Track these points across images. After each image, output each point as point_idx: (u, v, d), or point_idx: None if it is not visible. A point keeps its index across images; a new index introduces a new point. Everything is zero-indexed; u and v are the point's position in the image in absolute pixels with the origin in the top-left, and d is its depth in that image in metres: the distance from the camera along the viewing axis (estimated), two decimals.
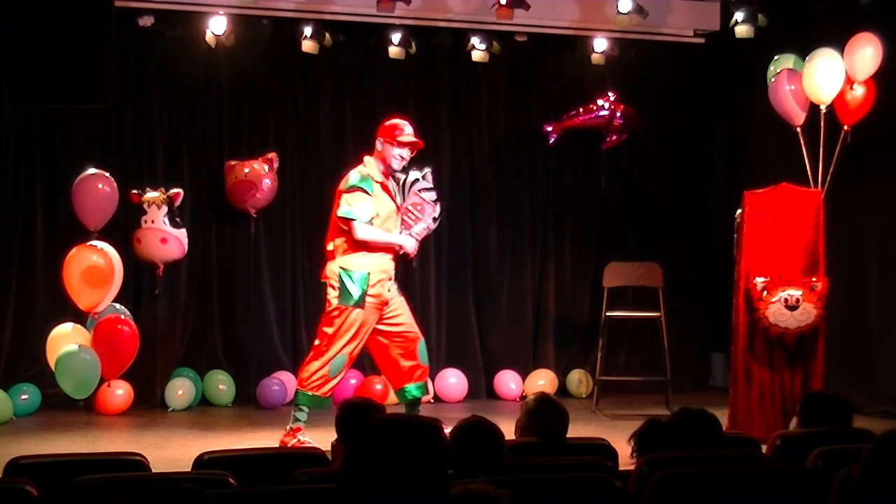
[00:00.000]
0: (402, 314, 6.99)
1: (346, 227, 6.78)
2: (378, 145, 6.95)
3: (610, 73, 9.54)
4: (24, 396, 8.24)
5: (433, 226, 7.15)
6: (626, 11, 8.56)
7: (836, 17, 8.50)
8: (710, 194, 10.13)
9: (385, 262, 6.87)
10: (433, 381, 9.13)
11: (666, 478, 3.43)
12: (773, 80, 7.78)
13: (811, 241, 7.40)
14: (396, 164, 6.94)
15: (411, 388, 7.08)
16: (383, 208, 6.86)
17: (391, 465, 2.27)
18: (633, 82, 9.68)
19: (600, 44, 9.36)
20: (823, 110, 7.58)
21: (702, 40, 9.70)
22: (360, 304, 6.75)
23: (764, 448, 4.60)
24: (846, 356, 8.49)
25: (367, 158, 6.96)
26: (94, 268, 7.73)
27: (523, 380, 9.41)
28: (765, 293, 7.27)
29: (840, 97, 7.57)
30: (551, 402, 4.52)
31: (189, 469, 4.15)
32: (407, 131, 6.99)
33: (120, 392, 8.31)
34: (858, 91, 7.55)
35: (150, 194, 8.18)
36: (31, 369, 8.39)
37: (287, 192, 9.08)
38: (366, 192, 6.77)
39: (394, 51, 8.95)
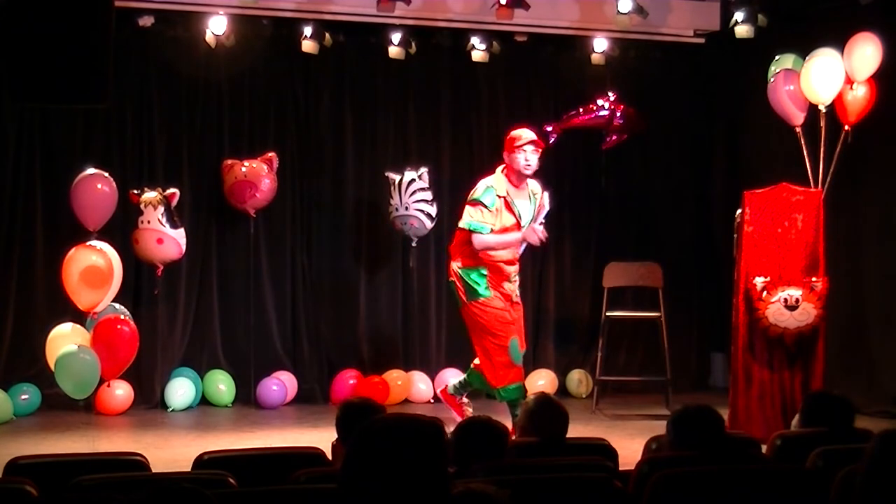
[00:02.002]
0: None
1: (465, 235, 7.28)
2: (506, 158, 7.33)
3: (610, 73, 9.54)
4: (24, 396, 8.24)
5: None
6: (626, 11, 8.56)
7: (836, 17, 8.50)
8: (710, 194, 10.13)
9: (502, 266, 7.27)
10: (433, 381, 9.13)
11: (666, 478, 3.43)
12: (771, 80, 7.77)
13: (811, 241, 7.40)
14: (526, 171, 7.26)
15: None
16: (501, 221, 7.23)
17: (391, 465, 2.27)
18: (633, 82, 9.68)
19: (600, 44, 9.36)
20: (823, 110, 7.58)
21: (702, 40, 9.70)
22: (486, 295, 7.23)
23: (764, 448, 4.60)
24: (846, 356, 8.49)
25: (498, 170, 7.36)
26: (93, 268, 7.74)
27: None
28: (765, 293, 7.27)
29: (840, 97, 7.56)
30: (551, 402, 4.53)
31: (189, 469, 4.15)
32: (525, 136, 7.31)
33: (120, 392, 8.31)
34: (859, 91, 7.55)
35: (147, 195, 8.18)
36: (31, 369, 8.39)
37: (287, 192, 9.07)
38: (485, 206, 7.18)
39: (394, 51, 8.95)
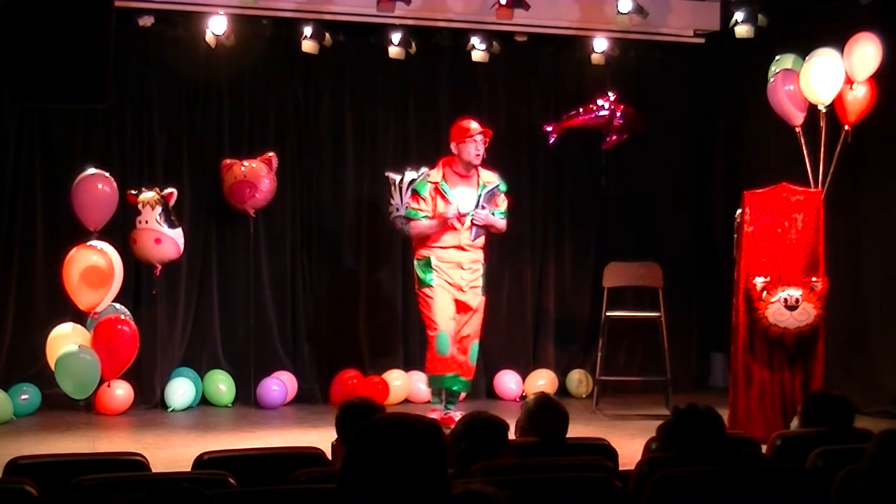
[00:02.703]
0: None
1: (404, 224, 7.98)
2: (453, 149, 7.75)
3: (610, 73, 9.54)
4: (24, 396, 8.24)
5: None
6: (626, 11, 8.56)
7: (836, 17, 8.50)
8: (710, 194, 10.13)
9: (450, 254, 7.68)
10: None
11: (666, 478, 3.43)
12: (772, 80, 7.77)
13: (811, 241, 7.40)
14: (475, 160, 7.69)
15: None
16: (438, 210, 7.68)
17: (390, 466, 2.27)
18: (633, 82, 9.68)
19: (600, 44, 9.36)
20: (823, 110, 7.57)
21: (702, 40, 9.70)
22: (430, 284, 7.66)
23: (764, 448, 4.60)
24: (846, 356, 8.49)
25: (440, 164, 7.85)
26: (94, 268, 7.73)
27: (523, 380, 9.41)
28: (765, 293, 7.27)
29: (840, 97, 7.56)
30: (551, 402, 4.53)
31: (189, 469, 4.15)
32: (475, 126, 7.74)
33: (120, 392, 8.30)
34: (859, 91, 7.55)
35: (145, 195, 8.17)
36: (31, 369, 8.39)
37: (287, 192, 9.08)
38: (419, 193, 7.73)
39: (394, 51, 8.95)
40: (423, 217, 7.69)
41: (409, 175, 8.79)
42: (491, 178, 7.81)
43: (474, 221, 7.68)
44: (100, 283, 7.73)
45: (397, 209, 8.75)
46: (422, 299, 7.78)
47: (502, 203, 7.87)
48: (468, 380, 7.87)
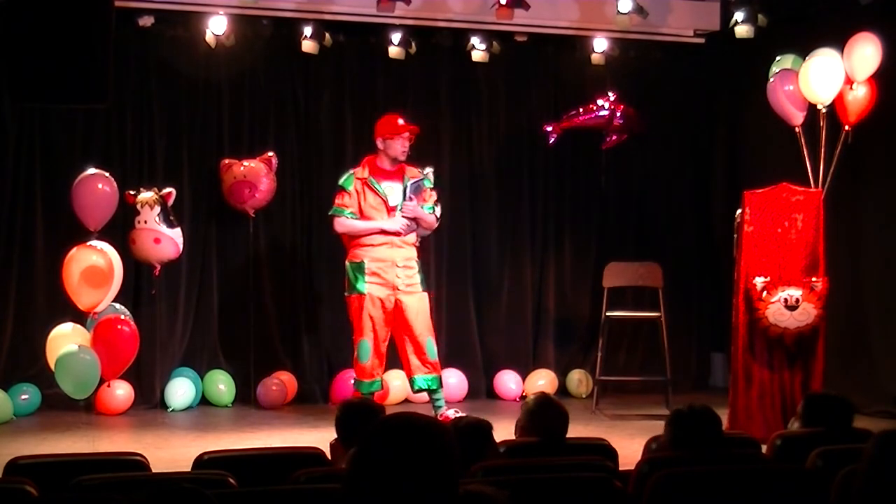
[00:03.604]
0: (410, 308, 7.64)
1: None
2: (379, 144, 7.69)
3: (610, 73, 9.54)
4: (24, 396, 8.24)
5: (420, 212, 7.73)
6: (626, 11, 8.56)
7: (836, 17, 8.50)
8: (710, 194, 10.13)
9: (382, 251, 7.59)
10: None
11: (666, 478, 3.43)
12: (772, 80, 7.77)
13: (811, 241, 7.40)
14: (402, 156, 7.69)
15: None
16: (367, 204, 7.62)
17: (400, 466, 2.25)
18: (633, 82, 9.68)
19: (600, 44, 9.36)
20: (823, 110, 7.57)
21: (702, 40, 9.70)
22: (361, 292, 7.57)
23: (764, 448, 4.60)
24: (846, 356, 8.49)
25: (365, 159, 7.77)
26: (94, 268, 7.73)
27: (523, 380, 9.41)
28: (764, 293, 7.27)
29: (840, 97, 7.56)
30: (551, 402, 4.53)
31: (189, 469, 4.15)
32: (403, 123, 7.71)
33: (120, 392, 8.30)
34: (860, 91, 7.55)
35: (143, 195, 8.16)
36: (31, 369, 8.39)
37: (287, 192, 9.08)
38: (345, 190, 7.65)
39: (394, 51, 8.95)
40: (349, 213, 7.62)
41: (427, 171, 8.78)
42: (415, 172, 7.79)
43: (403, 213, 7.63)
44: (100, 282, 7.73)
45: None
46: (351, 305, 7.65)
47: (430, 198, 7.82)
48: (436, 375, 7.73)
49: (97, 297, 7.75)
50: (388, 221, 7.62)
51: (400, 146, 7.66)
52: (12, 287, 8.53)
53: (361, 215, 7.64)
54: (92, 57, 5.50)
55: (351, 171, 7.75)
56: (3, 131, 8.49)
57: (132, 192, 8.18)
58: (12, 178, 8.54)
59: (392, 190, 7.67)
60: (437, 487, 2.26)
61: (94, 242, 7.88)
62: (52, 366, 7.70)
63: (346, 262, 7.70)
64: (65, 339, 7.74)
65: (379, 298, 7.58)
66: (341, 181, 7.72)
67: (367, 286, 7.56)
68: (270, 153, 8.73)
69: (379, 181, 7.67)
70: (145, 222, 8.11)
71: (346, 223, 7.67)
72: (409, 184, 7.68)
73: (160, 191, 8.22)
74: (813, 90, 7.53)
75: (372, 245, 7.62)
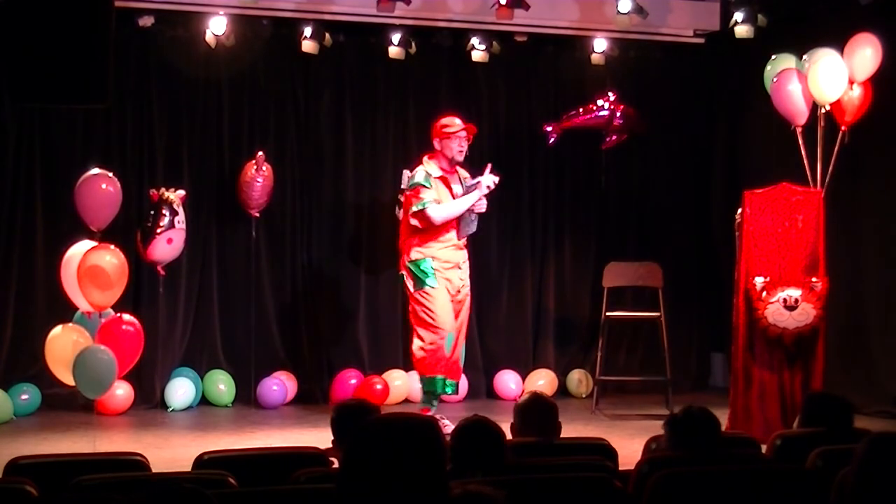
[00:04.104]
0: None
1: (418, 221, 7.48)
2: (436, 144, 7.66)
3: (610, 73, 9.54)
4: (24, 396, 8.24)
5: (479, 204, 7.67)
6: (626, 11, 8.57)
7: (835, 17, 8.50)
8: (710, 194, 10.13)
9: (449, 253, 7.56)
10: None
11: (666, 478, 3.43)
12: (775, 79, 7.75)
13: (811, 241, 7.40)
14: (459, 156, 7.64)
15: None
16: (443, 198, 7.54)
17: (388, 465, 2.26)
18: (633, 82, 9.68)
19: (600, 44, 9.36)
20: (823, 110, 7.57)
21: (702, 40, 9.70)
22: (432, 285, 7.48)
23: (764, 448, 4.60)
24: (846, 356, 8.49)
25: (425, 159, 7.67)
26: (101, 269, 7.66)
27: (523, 380, 9.41)
28: (764, 293, 7.27)
29: (839, 97, 7.56)
30: (539, 398, 4.57)
31: (189, 469, 4.15)
32: (459, 123, 7.66)
33: (120, 392, 8.29)
34: (856, 91, 7.55)
35: (170, 193, 8.12)
36: (31, 369, 8.38)
37: (287, 192, 9.08)
38: (425, 186, 7.48)
39: (394, 51, 8.95)
40: (433, 201, 7.45)
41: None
42: (467, 175, 7.77)
43: (477, 210, 7.62)
44: (107, 284, 7.67)
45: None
46: (421, 299, 7.51)
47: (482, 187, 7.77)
48: (456, 381, 7.74)
49: (103, 297, 7.68)
50: (467, 198, 7.54)
51: (457, 146, 7.59)
52: (12, 287, 8.53)
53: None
54: (92, 57, 5.50)
55: (420, 168, 7.58)
56: (3, 131, 8.50)
57: (165, 192, 8.11)
58: (12, 178, 8.54)
59: (458, 192, 7.65)
60: (425, 486, 2.27)
61: (97, 243, 7.80)
62: (57, 364, 7.63)
63: (409, 262, 7.52)
64: (64, 339, 7.69)
65: (449, 292, 7.55)
66: (417, 179, 7.50)
67: (437, 281, 7.49)
68: (259, 152, 8.60)
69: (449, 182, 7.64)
70: (181, 222, 8.11)
71: (439, 210, 7.45)
72: (465, 187, 7.66)
73: (174, 191, 8.19)
74: (821, 89, 7.50)
75: (436, 246, 7.54)
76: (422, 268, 7.50)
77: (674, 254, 9.70)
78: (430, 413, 7.56)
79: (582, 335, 9.80)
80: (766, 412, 7.30)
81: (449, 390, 7.69)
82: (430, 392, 7.62)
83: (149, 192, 8.18)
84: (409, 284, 7.55)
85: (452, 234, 7.61)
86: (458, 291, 7.62)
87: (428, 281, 7.48)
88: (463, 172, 7.77)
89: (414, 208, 7.48)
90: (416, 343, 7.54)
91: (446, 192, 7.57)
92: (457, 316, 7.63)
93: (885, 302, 8.57)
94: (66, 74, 5.48)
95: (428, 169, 7.58)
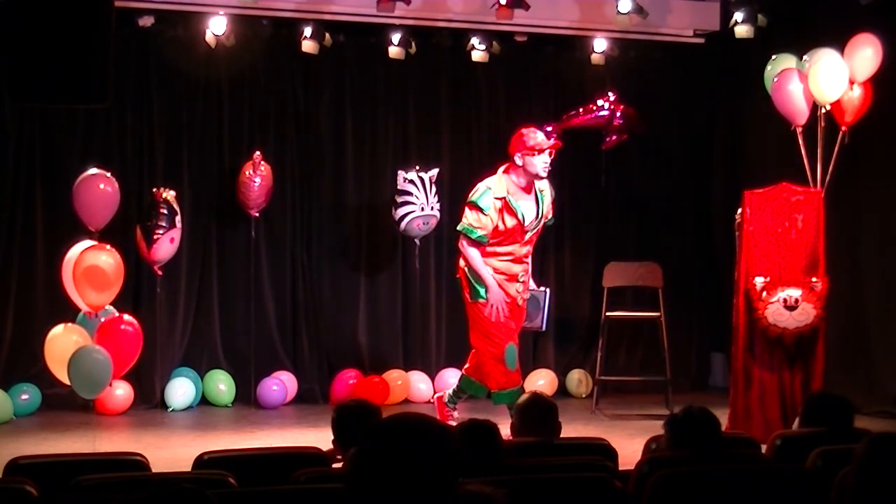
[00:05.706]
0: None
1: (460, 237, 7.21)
2: (517, 160, 7.17)
3: (610, 73, 9.54)
4: (24, 396, 8.24)
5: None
6: (625, 11, 8.56)
7: (836, 17, 8.49)
8: (710, 194, 10.13)
9: (507, 265, 7.19)
10: (433, 381, 9.14)
11: (666, 478, 3.43)
12: (775, 79, 7.75)
13: (811, 241, 7.40)
14: (544, 173, 7.20)
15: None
16: (504, 226, 7.12)
17: (402, 467, 2.25)
18: (633, 82, 9.68)
19: (600, 44, 9.36)
20: (823, 110, 7.57)
21: (702, 40, 9.70)
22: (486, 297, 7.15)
23: (764, 448, 4.60)
24: (846, 356, 8.49)
25: (500, 171, 7.23)
26: (96, 268, 7.68)
27: (523, 380, 9.39)
28: (764, 293, 7.27)
29: (839, 97, 7.56)
30: (537, 398, 4.57)
31: (189, 469, 4.15)
32: (546, 141, 7.25)
33: (120, 392, 8.30)
34: (856, 92, 7.55)
35: (169, 193, 8.14)
36: (31, 369, 8.38)
37: (287, 192, 9.08)
38: (481, 209, 7.08)
39: (394, 51, 8.95)
40: (481, 236, 7.08)
41: (433, 171, 8.73)
42: (544, 185, 7.34)
43: (524, 295, 7.30)
44: (105, 284, 7.68)
45: (422, 208, 8.64)
46: (478, 311, 7.20)
47: (549, 212, 7.46)
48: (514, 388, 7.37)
49: (102, 298, 7.69)
50: (491, 291, 7.12)
51: (542, 163, 7.13)
52: (12, 287, 8.53)
53: (494, 232, 7.11)
54: (92, 57, 5.50)
55: (487, 187, 7.14)
56: (3, 131, 8.50)
57: (165, 191, 8.12)
58: (12, 178, 8.54)
59: (527, 208, 7.18)
60: (437, 486, 2.26)
61: (96, 242, 7.82)
62: (57, 364, 7.65)
63: (467, 269, 7.18)
64: (64, 339, 7.70)
65: (507, 304, 7.21)
66: (477, 198, 7.11)
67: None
68: (255, 152, 8.60)
69: (516, 199, 7.16)
70: (179, 221, 8.12)
71: (471, 252, 7.11)
72: (542, 202, 7.26)
73: (168, 190, 8.20)
74: (821, 89, 7.50)
75: (495, 259, 7.17)
76: (478, 278, 7.17)
77: (674, 254, 9.70)
78: (448, 411, 7.49)
79: (582, 335, 9.80)
80: (766, 412, 7.30)
81: (480, 394, 7.51)
82: (462, 391, 7.47)
83: (151, 192, 8.19)
84: (466, 293, 7.26)
85: (515, 248, 7.20)
86: (514, 300, 7.22)
87: (483, 292, 7.14)
88: (540, 183, 7.30)
89: (459, 227, 7.19)
90: (479, 357, 7.32)
91: (509, 217, 7.12)
92: (517, 324, 7.34)
93: (885, 302, 8.57)
94: (66, 74, 5.48)
95: (496, 186, 7.14)
